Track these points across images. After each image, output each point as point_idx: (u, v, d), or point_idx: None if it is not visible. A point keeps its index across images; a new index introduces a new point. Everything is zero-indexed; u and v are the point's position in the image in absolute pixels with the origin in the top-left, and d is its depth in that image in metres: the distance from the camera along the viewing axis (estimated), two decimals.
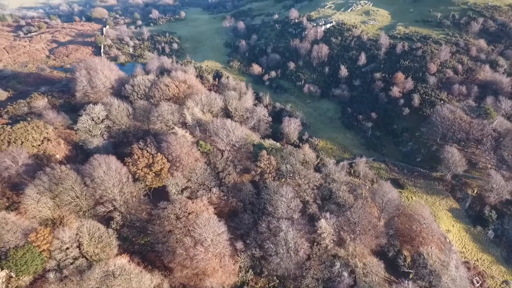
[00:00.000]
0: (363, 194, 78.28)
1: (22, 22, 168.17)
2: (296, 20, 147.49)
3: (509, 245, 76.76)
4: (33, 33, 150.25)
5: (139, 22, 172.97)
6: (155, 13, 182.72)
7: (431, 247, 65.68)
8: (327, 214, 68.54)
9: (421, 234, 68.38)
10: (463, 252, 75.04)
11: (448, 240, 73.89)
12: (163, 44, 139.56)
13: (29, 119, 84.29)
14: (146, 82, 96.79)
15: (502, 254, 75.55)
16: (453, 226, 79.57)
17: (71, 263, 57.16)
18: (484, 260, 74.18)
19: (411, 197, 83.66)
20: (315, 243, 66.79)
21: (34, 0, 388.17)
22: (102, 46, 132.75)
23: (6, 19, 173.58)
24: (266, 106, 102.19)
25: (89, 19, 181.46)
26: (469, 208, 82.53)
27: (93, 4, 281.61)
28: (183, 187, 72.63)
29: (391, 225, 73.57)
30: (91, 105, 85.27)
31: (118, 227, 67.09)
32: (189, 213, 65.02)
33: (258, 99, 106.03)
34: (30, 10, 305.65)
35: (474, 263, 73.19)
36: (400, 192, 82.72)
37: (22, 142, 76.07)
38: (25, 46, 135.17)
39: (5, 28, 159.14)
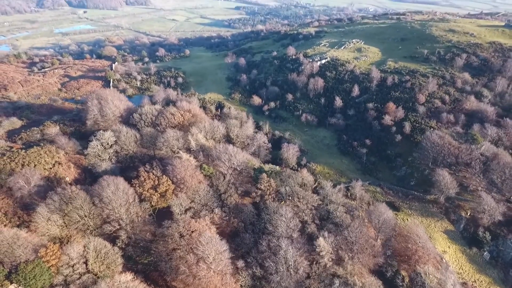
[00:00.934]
0: (360, 215, 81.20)
1: (36, 59, 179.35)
2: (294, 57, 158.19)
3: (506, 267, 78.25)
4: (46, 69, 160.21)
5: (146, 59, 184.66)
6: (161, 51, 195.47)
7: (428, 267, 67.51)
8: (325, 233, 71.23)
9: (417, 253, 70.57)
10: (461, 273, 76.44)
11: (444, 260, 75.68)
12: (168, 78, 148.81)
13: (42, 144, 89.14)
14: (153, 111, 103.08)
15: (499, 276, 76.94)
16: (449, 247, 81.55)
17: (78, 279, 59.05)
18: (481, 281, 75.44)
19: (407, 219, 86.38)
20: (314, 262, 68.78)
21: (44, 41, 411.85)
22: (111, 80, 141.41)
23: (21, 56, 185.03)
24: (266, 134, 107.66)
25: (99, 56, 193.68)
26: (463, 230, 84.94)
27: (101, 44, 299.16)
28: (187, 207, 75.76)
29: (388, 246, 75.83)
30: (101, 131, 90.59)
31: (123, 246, 69.32)
32: (192, 231, 67.83)
33: (258, 127, 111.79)
34: (41, 50, 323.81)
35: (472, 284, 74.43)
36: (396, 214, 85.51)
37: (35, 165, 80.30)
38: (39, 80, 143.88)
39: (20, 65, 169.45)
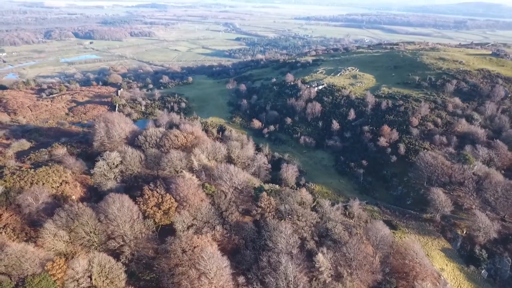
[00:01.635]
0: (358, 233, 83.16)
1: (44, 86, 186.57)
2: (292, 83, 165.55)
3: (504, 285, 79.32)
4: (54, 95, 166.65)
5: (151, 86, 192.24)
6: (165, 78, 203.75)
7: (426, 283, 68.79)
8: (324, 249, 73.16)
9: (415, 269, 72.18)
10: None
11: (442, 278, 76.91)
12: (172, 103, 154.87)
13: (50, 164, 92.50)
14: (157, 133, 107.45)
15: None
16: (446, 265, 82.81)
17: None
18: None
19: (404, 237, 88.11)
20: (313, 278, 70.17)
21: (50, 70, 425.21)
22: (117, 105, 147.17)
23: (30, 83, 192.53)
24: (266, 155, 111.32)
25: (105, 83, 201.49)
26: (460, 248, 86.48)
27: (106, 73, 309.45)
28: (189, 224, 77.96)
29: (386, 263, 77.27)
30: (107, 151, 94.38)
31: (126, 261, 70.92)
32: (194, 247, 69.77)
33: (258, 149, 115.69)
34: (47, 78, 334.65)
35: None
36: (393, 233, 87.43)
37: (43, 184, 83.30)
38: (47, 105, 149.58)
39: (29, 91, 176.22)
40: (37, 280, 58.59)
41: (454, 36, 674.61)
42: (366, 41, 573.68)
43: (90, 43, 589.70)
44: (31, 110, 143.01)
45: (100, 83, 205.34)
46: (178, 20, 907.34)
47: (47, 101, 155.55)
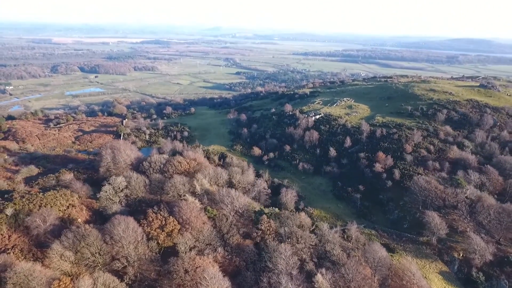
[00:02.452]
0: (356, 255, 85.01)
1: (52, 116, 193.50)
2: (290, 113, 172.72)
3: None
4: (61, 124, 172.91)
5: (154, 116, 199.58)
6: (168, 109, 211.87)
7: None
8: (323, 270, 74.97)
9: None
10: None
11: None
12: (175, 132, 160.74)
13: (57, 188, 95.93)
14: (161, 159, 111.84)
15: None
16: None
17: None
18: None
19: (402, 260, 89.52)
20: None
21: (55, 102, 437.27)
22: (122, 134, 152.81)
23: (38, 114, 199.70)
24: (266, 181, 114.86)
25: (110, 114, 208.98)
26: (458, 271, 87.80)
27: (110, 105, 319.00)
28: (192, 246, 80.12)
29: (384, 285, 78.65)
30: (114, 176, 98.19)
31: (130, 282, 72.53)
32: (196, 268, 71.83)
33: (258, 175, 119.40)
34: (52, 110, 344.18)
35: None
36: (391, 256, 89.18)
37: (51, 206, 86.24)
38: (54, 134, 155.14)
39: (37, 121, 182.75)
40: None
41: (447, 70, 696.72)
42: (362, 75, 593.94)
43: (95, 77, 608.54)
44: (39, 139, 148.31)
45: (106, 113, 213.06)
46: (181, 55, 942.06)
47: (55, 130, 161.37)
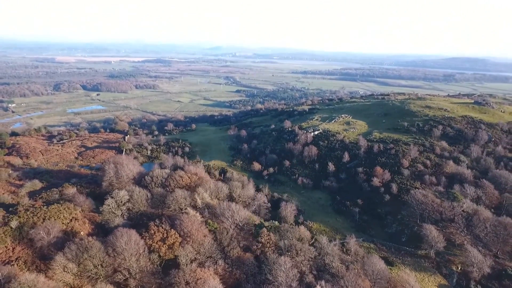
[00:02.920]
0: (355, 268, 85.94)
1: (55, 132, 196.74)
2: (290, 129, 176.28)
3: None
4: (64, 140, 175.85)
5: (156, 132, 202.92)
6: (169, 125, 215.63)
7: None
8: (323, 283, 76.02)
9: None
10: None
11: None
12: (176, 148, 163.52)
13: (61, 202, 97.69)
14: (163, 174, 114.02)
15: None
16: None
17: None
18: None
19: (401, 273, 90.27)
20: None
21: (57, 119, 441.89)
22: (124, 149, 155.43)
23: (41, 130, 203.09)
24: (265, 195, 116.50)
25: (112, 130, 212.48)
26: (457, 284, 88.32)
27: (111, 122, 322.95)
28: (193, 258, 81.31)
29: None
30: (116, 190, 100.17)
31: None
32: (197, 279, 72.91)
33: (258, 190, 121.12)
34: (54, 127, 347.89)
35: None
36: (390, 269, 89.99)
37: (55, 220, 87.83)
38: (58, 150, 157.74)
39: (41, 137, 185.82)
40: None
41: (444, 88, 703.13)
42: (361, 92, 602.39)
43: (97, 94, 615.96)
44: (42, 154, 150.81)
45: (108, 130, 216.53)
46: (182, 74, 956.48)
47: (58, 146, 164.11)
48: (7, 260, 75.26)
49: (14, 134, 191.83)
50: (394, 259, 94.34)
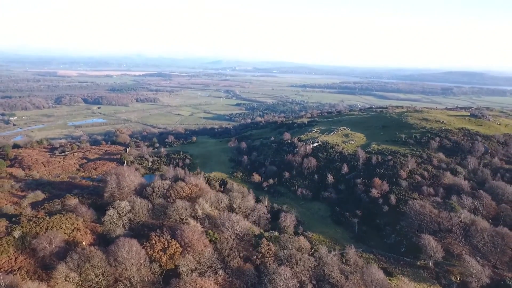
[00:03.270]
0: (355, 279, 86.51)
1: (57, 145, 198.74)
2: (289, 141, 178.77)
3: None
4: (66, 152, 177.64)
5: (157, 145, 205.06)
6: (170, 138, 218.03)
7: None
8: None
9: None
10: None
11: None
12: (177, 160, 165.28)
13: (63, 212, 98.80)
14: (164, 185, 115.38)
15: None
16: None
17: None
18: None
19: (401, 285, 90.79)
20: None
21: (58, 132, 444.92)
22: (125, 161, 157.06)
23: (43, 142, 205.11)
24: (265, 206, 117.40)
25: (113, 142, 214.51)
26: None
27: (111, 135, 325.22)
28: (193, 268, 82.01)
29: None
30: (118, 201, 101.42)
31: None
32: None
33: (258, 201, 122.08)
34: (55, 140, 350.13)
35: None
36: (389, 279, 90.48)
37: (57, 230, 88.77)
38: (60, 162, 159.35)
39: (43, 149, 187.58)
40: None
41: (442, 101, 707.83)
42: (360, 106, 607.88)
43: (98, 108, 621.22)
44: (44, 166, 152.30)
45: (109, 142, 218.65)
46: (182, 87, 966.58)
47: (60, 158, 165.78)
48: (9, 270, 75.99)
49: (16, 146, 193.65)
50: (393, 269, 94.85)
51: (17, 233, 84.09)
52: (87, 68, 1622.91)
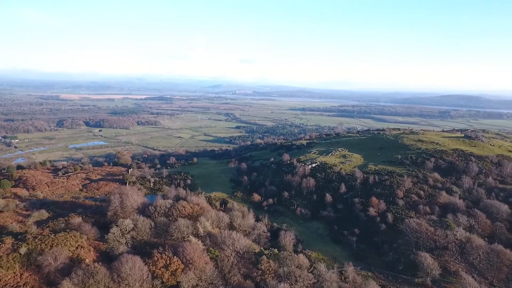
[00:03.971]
0: None
1: (60, 166, 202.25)
2: (288, 162, 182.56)
3: None
4: (69, 173, 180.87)
5: (158, 166, 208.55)
6: (172, 159, 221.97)
7: None
8: None
9: None
10: None
11: None
12: (178, 180, 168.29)
13: (67, 230, 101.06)
14: (166, 204, 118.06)
15: None
16: None
17: None
18: None
19: None
20: None
21: (59, 155, 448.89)
22: (127, 182, 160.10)
23: (46, 164, 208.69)
24: (265, 225, 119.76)
25: (115, 164, 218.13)
26: None
27: (112, 157, 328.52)
28: (195, 284, 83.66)
29: None
30: (121, 219, 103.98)
31: None
32: None
33: (258, 220, 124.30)
34: (56, 162, 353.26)
35: None
36: None
37: (62, 247, 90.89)
38: (63, 182, 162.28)
39: (46, 171, 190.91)
40: None
41: (439, 124, 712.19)
42: (358, 128, 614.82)
43: (99, 131, 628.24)
44: (48, 186, 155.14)
45: (111, 164, 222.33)
46: (183, 110, 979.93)
47: (63, 179, 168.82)
48: (15, 286, 77.70)
49: (20, 167, 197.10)
50: (391, 287, 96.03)
51: (23, 250, 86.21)
52: (90, 92, 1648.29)
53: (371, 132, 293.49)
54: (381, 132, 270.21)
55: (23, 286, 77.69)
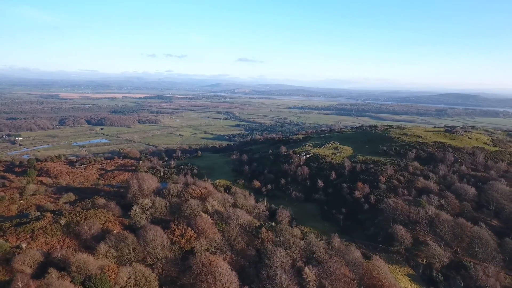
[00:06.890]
0: (338, 260, 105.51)
1: (74, 159, 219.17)
2: (285, 153, 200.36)
3: None
4: (86, 164, 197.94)
5: (166, 159, 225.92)
6: (178, 153, 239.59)
7: None
8: (310, 266, 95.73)
9: (384, 286, 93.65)
10: None
11: None
12: (186, 170, 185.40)
13: (95, 208, 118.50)
14: (178, 187, 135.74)
15: None
16: (411, 286, 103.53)
17: None
18: None
19: (377, 264, 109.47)
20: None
21: (63, 152, 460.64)
22: (140, 171, 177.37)
23: (61, 157, 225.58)
24: (264, 206, 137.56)
25: (125, 157, 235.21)
26: (422, 273, 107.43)
27: (115, 154, 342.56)
28: (206, 248, 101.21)
29: (361, 281, 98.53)
30: (141, 199, 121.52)
31: (158, 274, 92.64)
32: (211, 262, 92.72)
33: (258, 202, 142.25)
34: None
35: None
36: (367, 262, 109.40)
37: (94, 220, 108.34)
38: (81, 172, 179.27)
39: (63, 163, 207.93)
40: (98, 277, 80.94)
41: (436, 122, 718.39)
42: (356, 126, 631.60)
43: (101, 129, 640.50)
44: (68, 176, 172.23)
45: (121, 157, 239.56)
46: (182, 109, 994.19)
47: (81, 169, 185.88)
48: (60, 248, 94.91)
49: (38, 160, 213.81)
50: (371, 254, 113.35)
51: (63, 221, 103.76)
52: (89, 91, 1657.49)
53: (364, 128, 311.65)
54: (373, 127, 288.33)
55: (67, 248, 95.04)
